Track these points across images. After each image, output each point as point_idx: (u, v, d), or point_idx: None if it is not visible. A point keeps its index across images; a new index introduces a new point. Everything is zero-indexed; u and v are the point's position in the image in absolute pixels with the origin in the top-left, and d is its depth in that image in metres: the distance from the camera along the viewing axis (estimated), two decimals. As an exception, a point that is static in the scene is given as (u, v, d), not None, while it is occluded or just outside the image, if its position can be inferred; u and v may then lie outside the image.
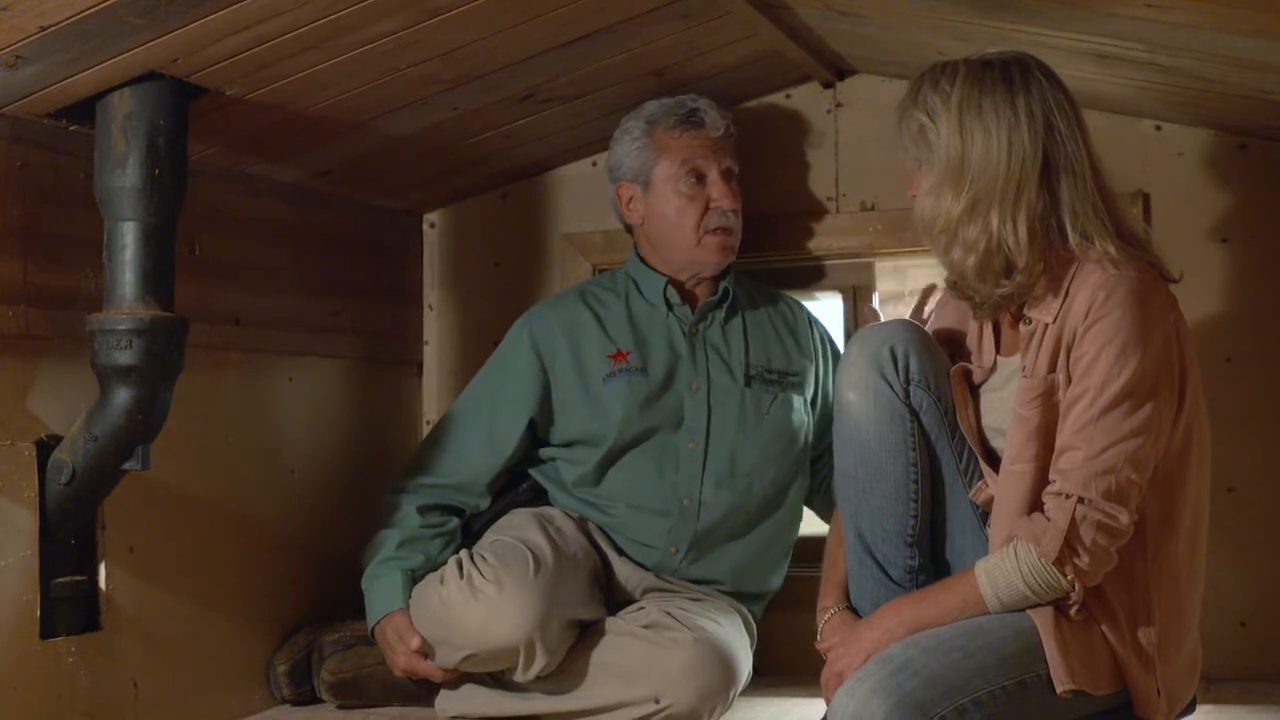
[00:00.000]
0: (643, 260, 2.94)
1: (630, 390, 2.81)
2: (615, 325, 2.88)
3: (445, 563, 2.69)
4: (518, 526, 2.74)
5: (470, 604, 2.56)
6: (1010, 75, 2.15)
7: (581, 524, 2.82)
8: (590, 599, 2.67)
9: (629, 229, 2.97)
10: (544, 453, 2.90)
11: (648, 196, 2.88)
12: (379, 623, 2.72)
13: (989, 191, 2.12)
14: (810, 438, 2.89)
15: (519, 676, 2.58)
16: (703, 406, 2.82)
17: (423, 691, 2.75)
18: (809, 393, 2.90)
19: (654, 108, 2.89)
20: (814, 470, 2.93)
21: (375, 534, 2.81)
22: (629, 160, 2.89)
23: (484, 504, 2.87)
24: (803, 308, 3.01)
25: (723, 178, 2.84)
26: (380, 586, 2.74)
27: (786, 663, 2.93)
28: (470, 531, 2.86)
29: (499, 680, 2.65)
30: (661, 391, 2.83)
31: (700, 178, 2.84)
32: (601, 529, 2.83)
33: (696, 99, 2.88)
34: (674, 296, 2.89)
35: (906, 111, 2.21)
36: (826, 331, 3.01)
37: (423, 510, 2.81)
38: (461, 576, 2.60)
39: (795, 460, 2.86)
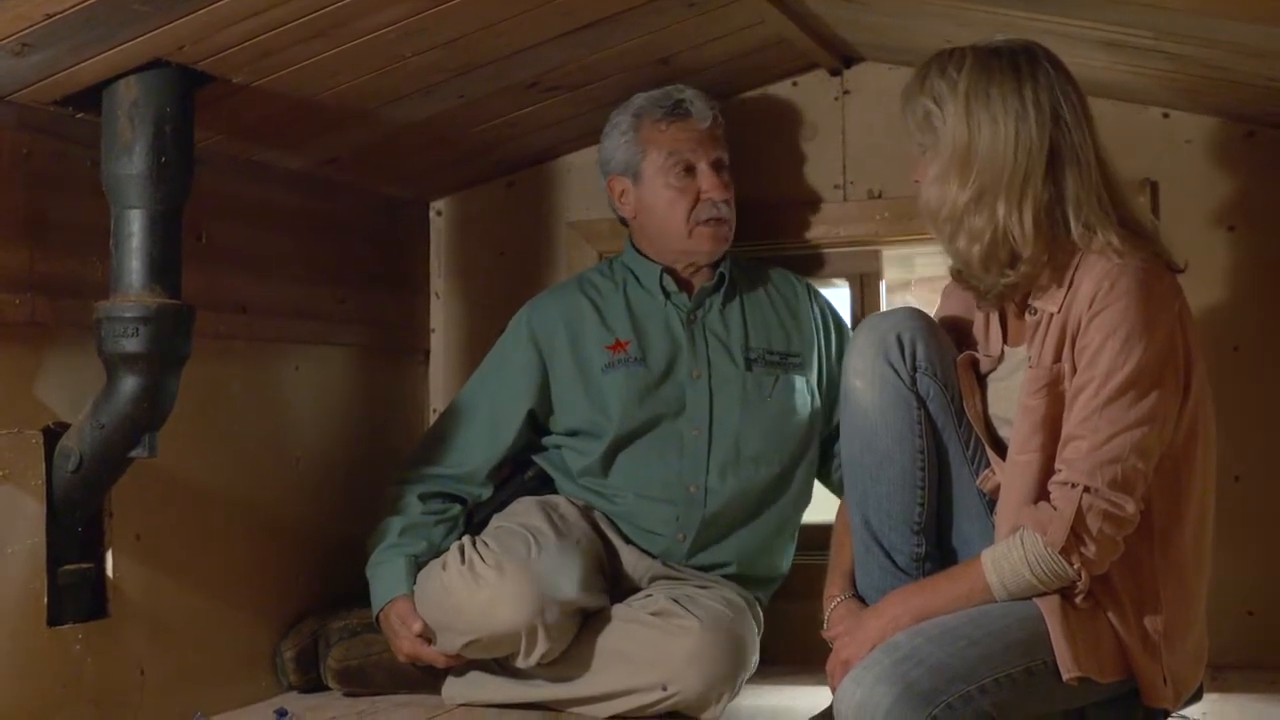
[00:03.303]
0: (638, 250, 2.93)
1: (628, 381, 2.81)
2: (614, 315, 2.88)
3: (448, 549, 2.69)
4: (521, 513, 2.74)
5: (471, 589, 2.56)
6: (1018, 64, 2.14)
7: (586, 512, 2.82)
8: (593, 586, 2.66)
9: (624, 222, 2.97)
10: (547, 440, 2.91)
11: (638, 189, 2.88)
12: (383, 609, 2.73)
13: (995, 181, 2.11)
14: (820, 419, 2.88)
15: (521, 662, 2.59)
16: (704, 394, 2.82)
17: (429, 679, 2.76)
18: (813, 371, 2.89)
19: (641, 100, 2.89)
20: (832, 450, 2.91)
21: (379, 522, 2.82)
22: (618, 154, 2.89)
23: (486, 493, 2.88)
24: (802, 283, 2.99)
25: (712, 169, 2.84)
26: (383, 573, 2.74)
27: (793, 650, 2.92)
28: (474, 519, 2.86)
29: (505, 667, 2.66)
30: (662, 381, 2.83)
31: (689, 169, 2.83)
32: (607, 517, 2.84)
33: (683, 89, 2.87)
34: (670, 285, 2.89)
35: (912, 97, 2.20)
36: (828, 304, 2.99)
37: (425, 498, 2.82)
38: (463, 562, 2.60)
39: (801, 441, 2.86)
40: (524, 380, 2.87)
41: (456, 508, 2.84)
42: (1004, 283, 2.15)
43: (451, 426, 2.90)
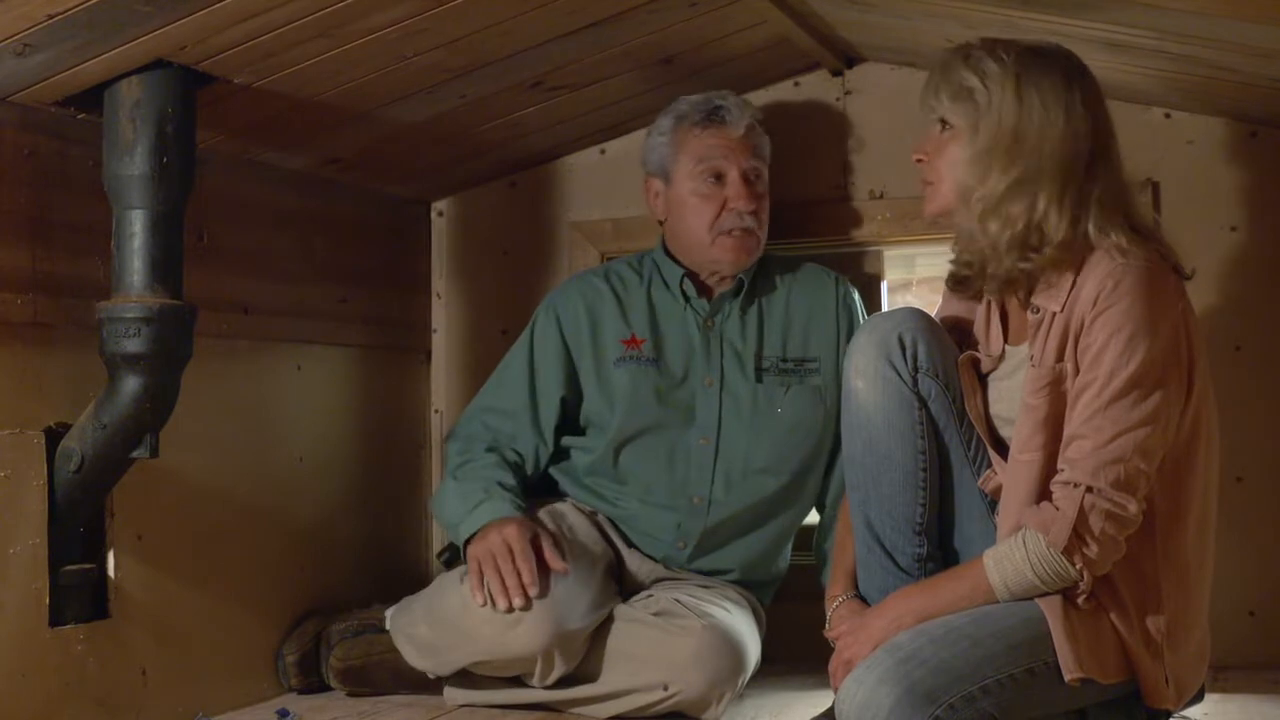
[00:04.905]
0: (667, 251, 2.92)
1: (634, 380, 2.81)
2: (634, 309, 2.87)
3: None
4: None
5: (491, 614, 2.55)
6: (1064, 62, 2.16)
7: (592, 517, 2.82)
8: (606, 603, 2.66)
9: (661, 222, 2.95)
10: (564, 441, 2.90)
11: (669, 192, 2.86)
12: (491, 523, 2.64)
13: (1040, 169, 2.11)
14: (833, 423, 2.80)
15: (536, 683, 2.59)
16: (714, 403, 2.81)
17: (431, 680, 2.75)
18: (831, 373, 2.82)
19: (684, 104, 2.86)
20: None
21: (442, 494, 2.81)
22: (655, 155, 2.88)
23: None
24: (833, 277, 2.91)
25: (742, 178, 2.79)
26: (490, 507, 2.68)
27: (794, 651, 2.92)
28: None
29: (507, 668, 2.66)
30: (674, 386, 2.82)
31: (719, 177, 2.80)
32: (611, 521, 2.84)
33: (725, 96, 2.84)
34: (690, 289, 2.86)
35: (953, 70, 2.18)
36: (854, 303, 2.90)
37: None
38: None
39: (813, 450, 2.83)
40: (555, 367, 2.86)
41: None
42: (1021, 268, 2.13)
43: (500, 426, 2.88)
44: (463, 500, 2.70)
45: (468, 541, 2.64)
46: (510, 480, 2.75)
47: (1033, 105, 2.12)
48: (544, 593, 2.54)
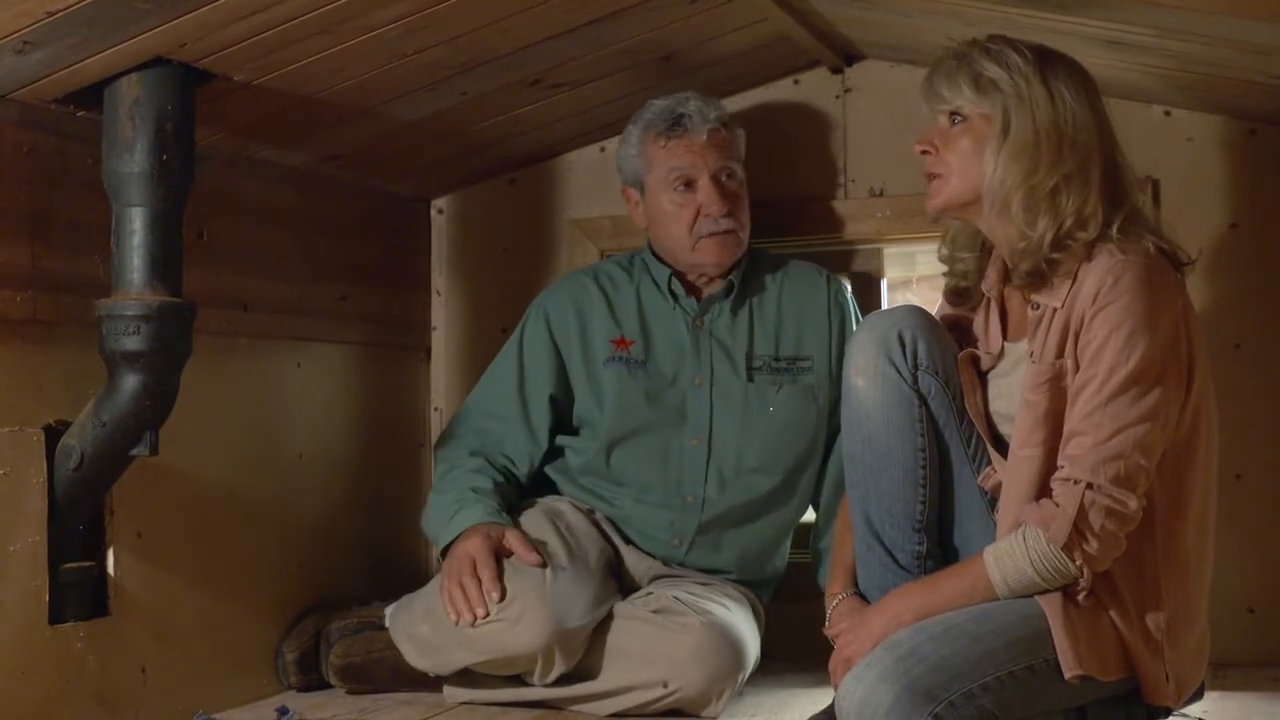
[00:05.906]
0: (655, 252, 2.92)
1: (621, 380, 2.81)
2: (624, 310, 2.87)
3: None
4: (532, 528, 2.71)
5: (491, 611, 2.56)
6: (1072, 61, 2.17)
7: (590, 515, 2.82)
8: (605, 600, 2.66)
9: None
10: (559, 440, 2.90)
11: (645, 201, 2.87)
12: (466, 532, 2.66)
13: (1087, 163, 2.11)
14: (826, 421, 2.83)
15: (537, 681, 2.59)
16: (705, 403, 2.81)
17: (431, 677, 2.75)
18: (824, 371, 2.83)
19: (649, 112, 2.85)
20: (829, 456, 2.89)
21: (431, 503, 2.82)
22: (628, 165, 2.88)
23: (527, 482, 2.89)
24: (824, 275, 2.91)
25: (713, 182, 2.78)
26: (461, 517, 2.69)
27: (794, 648, 2.92)
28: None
29: (507, 666, 2.66)
30: (664, 387, 2.82)
31: (689, 184, 2.80)
32: (609, 518, 2.84)
33: (687, 100, 2.82)
34: (679, 289, 2.87)
35: (971, 60, 2.16)
36: (846, 300, 2.90)
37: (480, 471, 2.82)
38: None
39: (807, 448, 2.83)
40: (544, 366, 2.87)
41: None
42: (1053, 257, 2.12)
43: (489, 428, 2.89)
44: (440, 514, 2.73)
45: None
46: (485, 484, 2.76)
47: (1064, 99, 2.12)
48: (543, 599, 2.54)
